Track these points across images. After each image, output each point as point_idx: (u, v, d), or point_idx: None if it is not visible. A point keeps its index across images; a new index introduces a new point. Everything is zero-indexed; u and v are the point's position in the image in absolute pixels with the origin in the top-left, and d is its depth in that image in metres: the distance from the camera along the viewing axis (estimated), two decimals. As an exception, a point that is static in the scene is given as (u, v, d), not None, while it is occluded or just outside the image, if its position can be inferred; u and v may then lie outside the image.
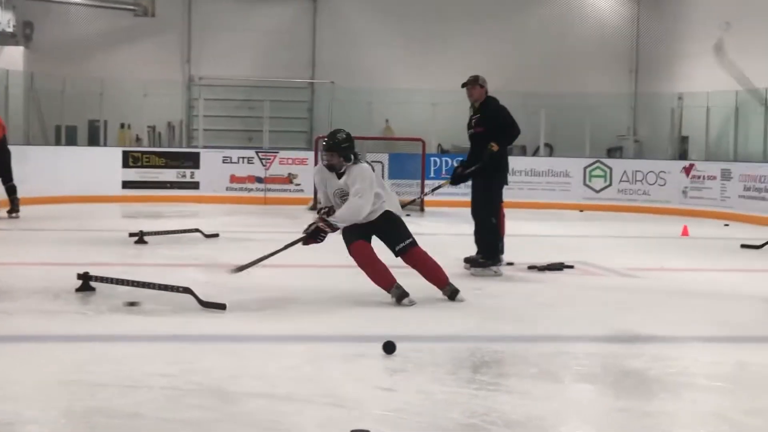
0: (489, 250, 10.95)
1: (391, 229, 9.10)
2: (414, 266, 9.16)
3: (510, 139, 11.05)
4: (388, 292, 8.83)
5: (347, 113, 24.23)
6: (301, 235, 9.10)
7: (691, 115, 23.12)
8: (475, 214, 11.11)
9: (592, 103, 23.89)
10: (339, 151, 8.99)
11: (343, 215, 8.88)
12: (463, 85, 11.26)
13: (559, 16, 26.16)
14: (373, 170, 9.11)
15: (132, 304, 8.26)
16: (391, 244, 9.11)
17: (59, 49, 24.22)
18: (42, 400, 5.44)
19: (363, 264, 9.02)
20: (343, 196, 8.98)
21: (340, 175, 9.03)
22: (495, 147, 10.86)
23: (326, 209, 9.20)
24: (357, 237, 8.97)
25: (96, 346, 6.88)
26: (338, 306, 8.74)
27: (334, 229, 8.94)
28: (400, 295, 8.77)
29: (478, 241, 11.07)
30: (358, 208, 8.83)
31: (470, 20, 25.81)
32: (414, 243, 9.10)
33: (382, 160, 22.23)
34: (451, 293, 9.05)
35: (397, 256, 9.11)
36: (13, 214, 16.52)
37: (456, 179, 11.42)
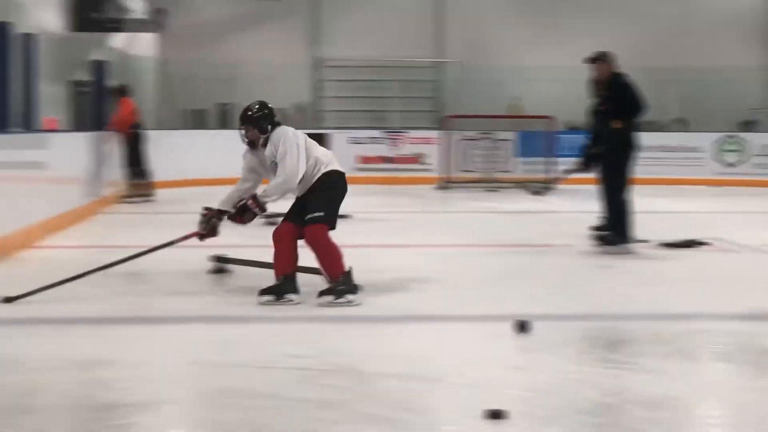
0: (620, 228, 10.76)
1: (313, 196, 8.00)
2: (309, 245, 7.93)
3: (634, 116, 10.76)
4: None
5: (475, 92, 24.14)
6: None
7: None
8: (605, 192, 10.91)
9: (724, 76, 23.41)
10: (251, 122, 8.02)
11: (271, 190, 7.95)
12: (588, 61, 11.04)
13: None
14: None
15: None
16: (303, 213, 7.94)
17: (190, 35, 24.58)
18: (179, 381, 5.54)
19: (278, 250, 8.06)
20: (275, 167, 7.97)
21: (265, 148, 8.02)
22: (618, 124, 10.67)
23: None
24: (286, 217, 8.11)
25: (231, 327, 6.99)
26: (471, 285, 8.73)
27: (263, 208, 8.10)
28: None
29: (608, 219, 10.89)
30: (286, 180, 7.86)
31: (598, -5, 25.48)
32: (321, 219, 7.89)
33: (510, 138, 22.11)
34: (337, 294, 7.71)
35: (302, 225, 7.89)
36: (147, 198, 16.85)
37: (586, 162, 11.13)
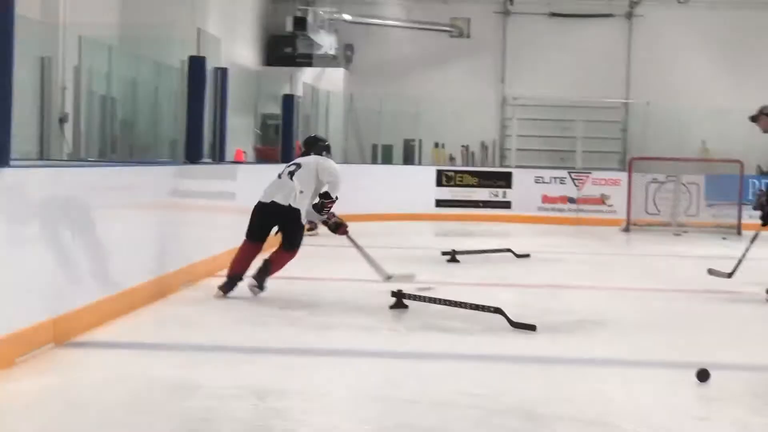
0: None
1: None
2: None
3: None
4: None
5: (662, 134, 23.80)
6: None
7: None
8: None
9: None
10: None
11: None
12: (751, 119, 10.71)
13: None
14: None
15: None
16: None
17: (377, 71, 24.96)
18: (355, 414, 5.58)
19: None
20: None
21: None
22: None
23: None
24: None
25: (407, 363, 7.00)
26: (649, 330, 8.56)
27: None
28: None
29: None
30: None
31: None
32: None
33: (698, 182, 21.66)
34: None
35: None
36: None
37: (765, 218, 10.64)
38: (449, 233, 18.43)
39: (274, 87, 20.51)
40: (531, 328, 8.09)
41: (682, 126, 24.08)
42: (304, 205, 9.89)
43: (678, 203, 21.18)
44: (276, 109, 17.58)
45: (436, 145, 24.90)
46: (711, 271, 11.32)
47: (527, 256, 13.97)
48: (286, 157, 16.75)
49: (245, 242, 9.93)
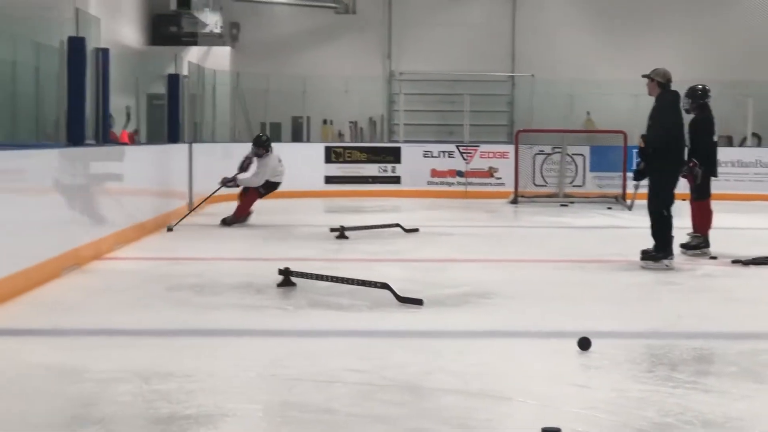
0: (661, 242, 10.65)
1: None
2: None
3: (663, 136, 10.71)
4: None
5: (548, 106, 24.09)
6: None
7: None
8: (649, 207, 10.85)
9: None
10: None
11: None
12: (644, 76, 11.07)
13: (765, 2, 25.43)
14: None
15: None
16: None
17: (264, 48, 24.85)
18: (240, 394, 5.57)
19: None
20: None
21: None
22: (641, 143, 10.88)
23: None
24: None
25: (294, 341, 7.02)
26: (533, 301, 8.69)
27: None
28: None
29: (653, 235, 10.80)
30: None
31: (672, 9, 25.39)
32: None
33: (583, 152, 21.99)
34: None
35: None
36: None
37: (637, 175, 11.39)
38: (339, 210, 18.45)
39: (160, 67, 20.26)
40: (418, 302, 8.16)
41: (566, 98, 24.42)
42: None
43: (564, 174, 21.49)
44: (162, 89, 17.40)
45: (325, 122, 24.89)
46: None
47: (416, 230, 14.06)
48: (172, 137, 16.62)
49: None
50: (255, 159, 15.57)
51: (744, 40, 25.07)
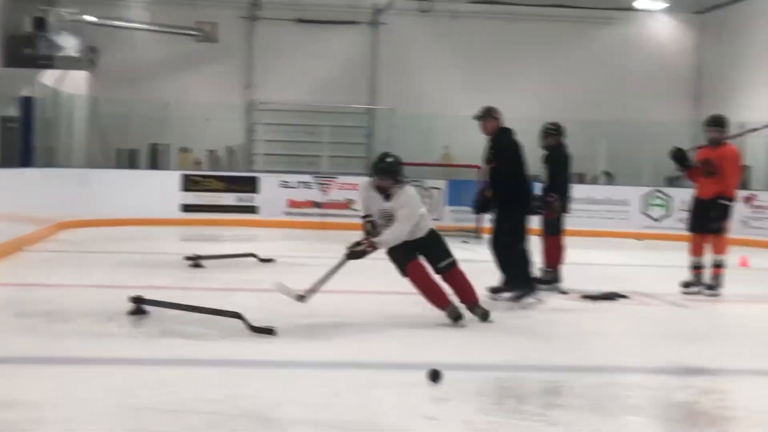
0: (524, 278, 10.84)
1: (437, 246, 9.37)
2: (451, 285, 9.41)
3: (505, 174, 10.93)
4: (444, 311, 9.17)
5: (406, 139, 24.25)
6: (347, 252, 9.39)
7: (754, 145, 22.82)
8: (498, 243, 11.02)
9: (653, 131, 23.72)
10: (391, 174, 9.25)
11: (388, 239, 9.13)
12: (475, 118, 11.22)
13: (619, 45, 26.22)
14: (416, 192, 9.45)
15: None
16: (434, 262, 9.34)
17: (123, 74, 24.51)
18: (88, 423, 5.48)
19: (421, 284, 9.26)
20: (388, 217, 9.21)
21: (387, 197, 9.23)
22: (489, 194, 11.07)
23: (371, 222, 9.42)
24: (409, 257, 9.23)
25: (144, 370, 6.93)
26: (386, 333, 8.74)
27: (376, 249, 9.24)
28: (456, 316, 9.11)
29: (504, 271, 10.99)
30: (401, 233, 9.10)
31: (531, 48, 25.89)
32: (456, 262, 9.40)
33: (440, 186, 22.24)
34: (483, 315, 9.34)
35: (437, 273, 9.36)
36: None
37: (478, 207, 11.65)
38: (195, 238, 18.29)
39: (14, 89, 19.87)
40: (270, 332, 8.14)
41: (425, 132, 24.64)
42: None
43: (421, 207, 21.65)
44: (16, 112, 17.08)
45: (184, 149, 24.69)
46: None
47: (272, 260, 14.02)
48: (25, 160, 16.32)
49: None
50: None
51: (597, 80, 25.69)
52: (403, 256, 9.24)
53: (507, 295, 10.86)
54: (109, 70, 24.58)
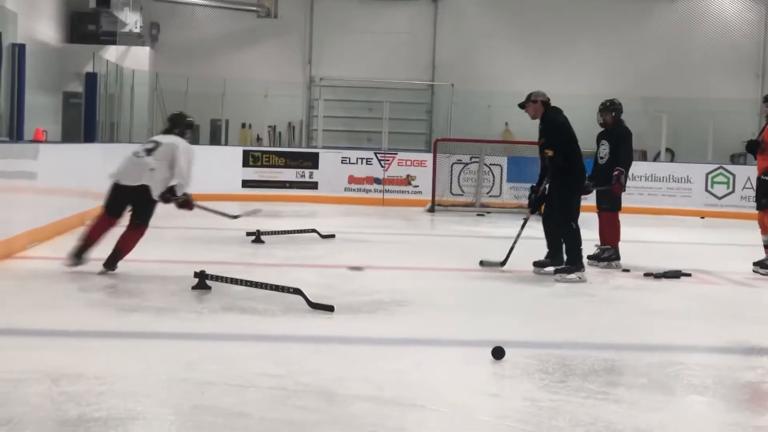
0: (572, 255, 10.75)
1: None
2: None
3: (561, 150, 10.81)
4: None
5: (466, 116, 24.22)
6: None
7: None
8: (551, 219, 10.95)
9: (716, 108, 23.52)
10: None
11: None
12: (520, 107, 11.20)
13: (682, 20, 25.90)
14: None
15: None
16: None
17: (184, 50, 24.67)
18: (151, 397, 5.52)
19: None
20: None
21: None
22: (549, 153, 10.81)
23: None
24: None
25: (207, 345, 6.96)
26: (449, 310, 8.74)
27: None
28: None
29: (552, 246, 10.95)
30: None
31: (591, 24, 25.66)
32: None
33: (500, 163, 22.15)
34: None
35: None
36: None
37: (533, 206, 11.42)
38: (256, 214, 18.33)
39: (78, 65, 20.01)
40: (329, 308, 8.15)
41: (485, 109, 24.56)
42: (156, 181, 9.86)
43: (481, 184, 21.62)
44: (80, 87, 17.19)
45: (243, 125, 24.79)
46: (483, 263, 11.46)
47: (332, 236, 14.06)
48: (89, 136, 16.45)
49: (102, 215, 10.01)
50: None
51: (659, 56, 25.42)
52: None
53: (550, 269, 10.80)
54: (170, 47, 24.76)
